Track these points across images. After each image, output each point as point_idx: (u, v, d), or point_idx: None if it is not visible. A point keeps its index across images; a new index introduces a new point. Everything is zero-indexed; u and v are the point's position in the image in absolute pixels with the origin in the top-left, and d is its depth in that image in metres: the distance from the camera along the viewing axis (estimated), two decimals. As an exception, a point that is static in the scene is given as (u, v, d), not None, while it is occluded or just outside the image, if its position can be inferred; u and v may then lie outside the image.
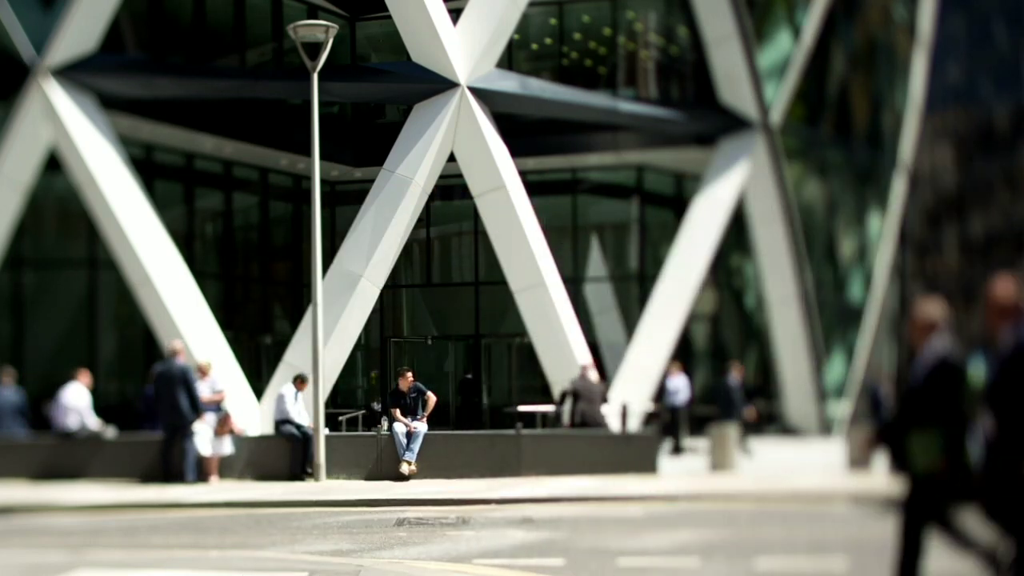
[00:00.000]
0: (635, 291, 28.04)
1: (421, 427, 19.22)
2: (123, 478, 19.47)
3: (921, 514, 8.89)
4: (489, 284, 24.68)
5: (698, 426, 26.28)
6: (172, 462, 19.22)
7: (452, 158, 22.58)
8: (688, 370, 26.63)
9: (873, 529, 13.47)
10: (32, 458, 19.77)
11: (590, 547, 12.16)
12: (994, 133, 71.02)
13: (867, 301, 33.65)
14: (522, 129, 24.69)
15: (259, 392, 22.17)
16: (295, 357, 21.33)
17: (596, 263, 28.22)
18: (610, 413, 22.75)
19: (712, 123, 27.08)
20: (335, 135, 23.68)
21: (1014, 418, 7.94)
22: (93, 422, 20.55)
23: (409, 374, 19.74)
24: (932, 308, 8.48)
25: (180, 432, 19.18)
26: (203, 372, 19.92)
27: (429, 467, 19.20)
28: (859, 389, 29.98)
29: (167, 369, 19.51)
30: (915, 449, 8.92)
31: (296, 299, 25.27)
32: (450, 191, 24.55)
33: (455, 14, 22.46)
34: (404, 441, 19.10)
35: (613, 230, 29.61)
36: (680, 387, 24.91)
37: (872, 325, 33.59)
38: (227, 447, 19.63)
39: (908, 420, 8.88)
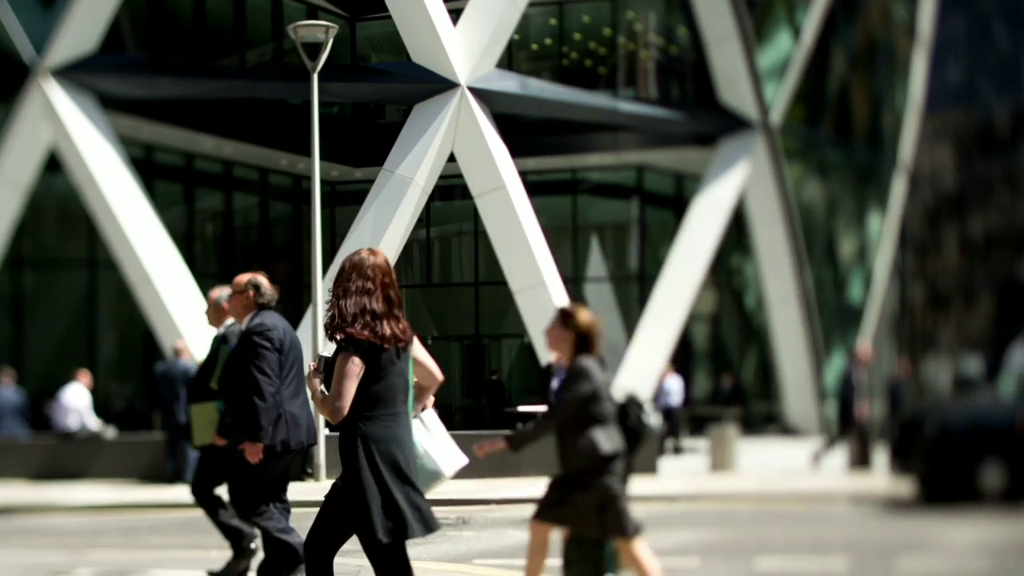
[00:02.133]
0: (635, 291, 28.05)
1: (421, 427, 19.19)
2: (123, 478, 19.48)
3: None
4: (489, 284, 24.68)
5: (699, 426, 26.31)
6: (178, 462, 19.23)
7: (452, 158, 22.57)
8: (684, 371, 26.66)
9: (873, 529, 13.48)
10: (32, 458, 19.77)
11: (590, 547, 12.14)
12: (994, 133, 71.02)
13: (867, 301, 33.65)
14: (522, 129, 24.68)
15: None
16: (295, 357, 21.30)
17: (596, 263, 28.22)
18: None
19: (712, 123, 27.07)
20: (335, 135, 23.67)
21: (238, 398, 8.57)
22: (93, 422, 20.56)
23: (411, 375, 19.71)
24: (251, 277, 9.01)
25: (182, 432, 19.18)
26: (203, 372, 19.90)
27: (429, 467, 19.15)
28: (882, 387, 29.98)
29: (170, 369, 19.49)
30: (195, 422, 9.26)
31: (296, 299, 25.27)
32: (450, 191, 24.55)
33: (455, 14, 22.45)
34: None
35: (613, 230, 29.61)
36: (674, 388, 24.98)
37: (872, 325, 33.60)
38: (227, 447, 19.63)
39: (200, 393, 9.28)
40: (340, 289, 6.18)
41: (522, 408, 23.40)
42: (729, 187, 26.60)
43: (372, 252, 6.26)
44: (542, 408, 21.87)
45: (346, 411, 6.08)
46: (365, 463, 6.14)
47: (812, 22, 29.11)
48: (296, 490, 18.84)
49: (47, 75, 21.86)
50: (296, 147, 22.69)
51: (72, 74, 22.00)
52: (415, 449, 6.40)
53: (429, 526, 6.35)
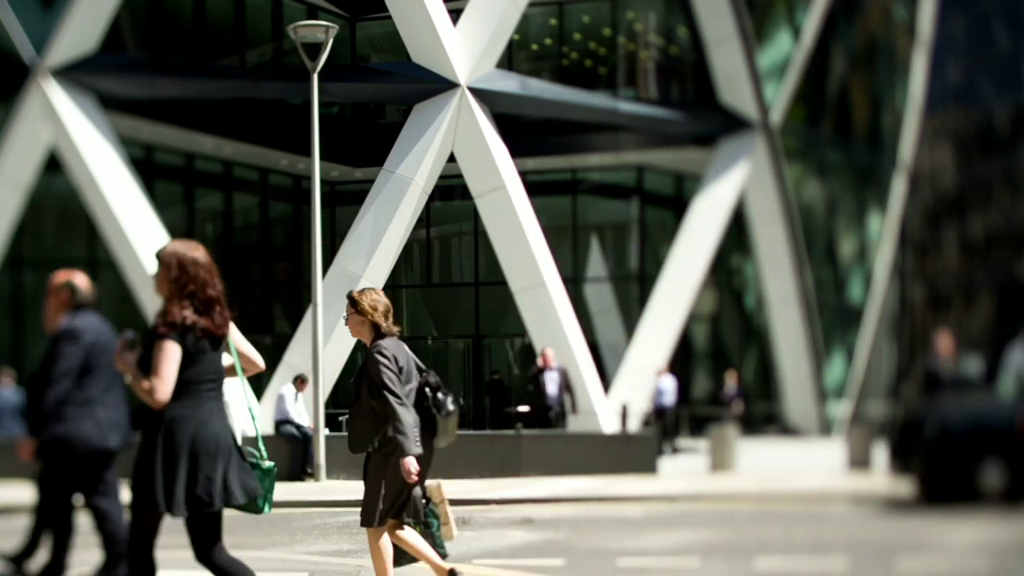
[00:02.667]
0: (635, 291, 28.04)
1: (420, 427, 19.21)
2: (123, 478, 19.45)
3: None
4: (489, 284, 24.68)
5: (698, 426, 26.32)
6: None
7: (452, 158, 22.57)
8: (684, 371, 26.69)
9: (873, 529, 13.48)
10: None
11: (590, 547, 12.17)
12: (994, 133, 71.01)
13: (867, 301, 33.65)
14: (522, 129, 24.67)
15: (259, 392, 22.17)
16: (295, 357, 21.33)
17: (596, 263, 28.22)
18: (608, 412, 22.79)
19: (712, 123, 27.07)
20: (335, 135, 23.68)
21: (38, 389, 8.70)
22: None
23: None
24: (68, 277, 8.86)
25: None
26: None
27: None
28: (919, 373, 29.80)
29: None
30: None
31: (296, 299, 25.28)
32: (450, 191, 24.55)
33: (455, 14, 22.45)
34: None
35: (613, 230, 29.61)
36: (667, 388, 25.04)
37: (872, 325, 33.59)
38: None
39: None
40: (171, 279, 6.45)
41: (520, 408, 23.44)
42: (729, 187, 26.60)
43: (197, 247, 6.61)
44: (526, 409, 21.95)
45: (167, 395, 6.32)
46: (161, 441, 6.47)
47: (812, 22, 29.11)
48: (296, 490, 18.89)
49: (47, 75, 21.86)
50: (296, 147, 22.69)
51: (72, 74, 21.99)
52: (230, 433, 6.64)
53: (212, 502, 6.69)
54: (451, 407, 8.13)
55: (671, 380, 25.26)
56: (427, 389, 8.06)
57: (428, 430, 8.06)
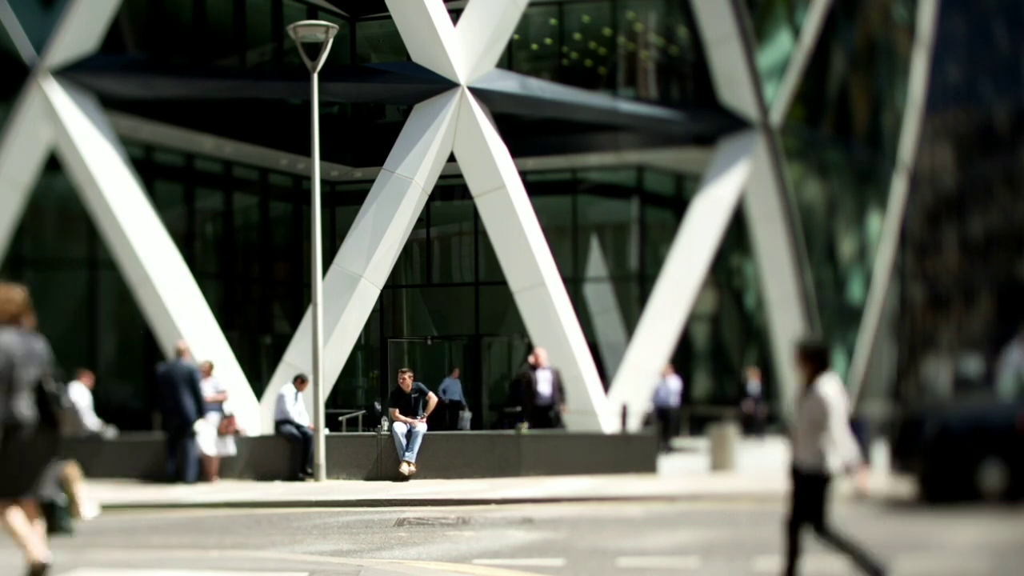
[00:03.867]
0: (635, 291, 28.04)
1: (421, 427, 19.25)
2: (123, 478, 19.48)
3: None
4: (489, 284, 24.68)
5: (698, 426, 26.33)
6: (179, 462, 19.25)
7: (452, 158, 22.57)
8: (684, 371, 26.69)
9: (873, 529, 13.48)
10: (32, 458, 19.76)
11: (590, 547, 12.17)
12: (994, 133, 71.02)
13: (867, 301, 33.65)
14: (522, 129, 24.67)
15: (259, 392, 22.18)
16: (295, 357, 21.33)
17: (596, 263, 28.22)
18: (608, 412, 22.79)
19: (712, 123, 27.06)
20: (335, 135, 23.68)
21: None
22: (93, 422, 20.57)
23: (407, 375, 19.76)
24: None
25: (183, 432, 19.22)
26: (206, 372, 19.96)
27: (429, 467, 19.21)
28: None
29: (172, 369, 19.53)
30: None
31: (296, 299, 25.28)
32: (450, 191, 24.54)
33: (455, 14, 22.45)
34: (404, 441, 19.13)
35: (613, 230, 29.60)
36: (673, 388, 25.04)
37: (872, 325, 33.60)
38: (230, 447, 19.67)
39: None
40: None
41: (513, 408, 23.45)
42: (729, 187, 26.59)
43: None
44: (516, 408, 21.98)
45: None
46: None
47: (812, 22, 29.10)
48: (296, 490, 18.89)
49: (47, 75, 21.85)
50: (296, 147, 22.70)
51: (72, 74, 21.99)
52: None
53: None
54: (62, 403, 8.99)
55: (676, 380, 25.24)
56: (43, 385, 8.89)
57: (49, 421, 8.85)
